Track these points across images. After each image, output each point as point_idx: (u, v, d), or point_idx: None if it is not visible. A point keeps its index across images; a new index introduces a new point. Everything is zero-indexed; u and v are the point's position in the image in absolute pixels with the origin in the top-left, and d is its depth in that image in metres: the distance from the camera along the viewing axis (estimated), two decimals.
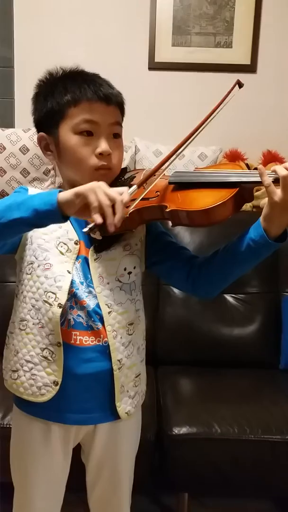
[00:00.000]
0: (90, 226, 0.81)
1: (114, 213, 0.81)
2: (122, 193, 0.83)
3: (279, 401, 1.62)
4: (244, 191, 0.90)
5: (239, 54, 2.32)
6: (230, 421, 1.49)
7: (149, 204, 0.93)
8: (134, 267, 1.03)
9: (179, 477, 1.50)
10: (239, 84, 0.98)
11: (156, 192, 0.94)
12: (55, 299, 0.97)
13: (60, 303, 0.97)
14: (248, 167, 2.18)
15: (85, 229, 0.82)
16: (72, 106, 0.97)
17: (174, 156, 0.94)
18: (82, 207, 0.82)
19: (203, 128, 0.95)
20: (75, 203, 0.82)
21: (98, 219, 0.80)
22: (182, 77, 2.34)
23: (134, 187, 0.88)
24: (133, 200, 0.89)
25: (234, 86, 0.98)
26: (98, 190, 0.81)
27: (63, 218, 0.84)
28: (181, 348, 1.91)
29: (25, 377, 1.01)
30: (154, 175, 0.93)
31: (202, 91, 2.33)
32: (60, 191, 0.83)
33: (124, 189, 0.85)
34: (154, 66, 2.33)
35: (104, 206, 0.80)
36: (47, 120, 1.01)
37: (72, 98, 0.97)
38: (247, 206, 2.04)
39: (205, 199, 0.88)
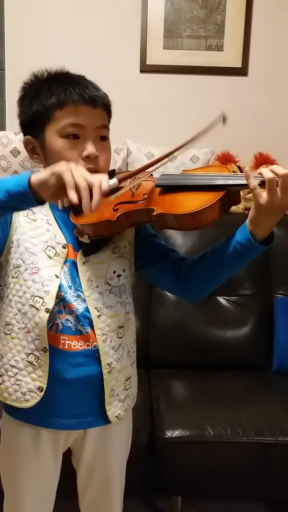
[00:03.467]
0: (64, 204, 0.78)
1: (91, 197, 0.78)
2: (101, 180, 0.81)
3: (272, 403, 1.62)
4: (231, 193, 0.90)
5: (230, 57, 2.33)
6: (223, 424, 1.49)
7: (136, 207, 0.93)
8: (124, 270, 1.03)
9: (172, 480, 1.49)
10: (224, 118, 0.96)
11: (144, 195, 0.94)
12: (42, 304, 0.96)
13: (47, 308, 0.96)
14: (240, 169, 2.19)
15: (60, 206, 0.79)
16: (57, 109, 0.96)
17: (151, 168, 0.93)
18: (57, 189, 0.80)
19: (181, 151, 0.92)
20: (50, 183, 0.79)
21: (73, 197, 0.77)
22: (174, 80, 2.34)
23: (115, 179, 0.86)
24: (112, 193, 0.86)
25: (220, 117, 0.96)
26: (75, 171, 0.79)
27: (38, 202, 0.81)
28: (173, 350, 1.91)
29: (10, 382, 1.00)
30: (138, 176, 0.92)
31: (193, 94, 2.34)
32: (33, 172, 0.81)
33: (103, 176, 0.82)
34: (146, 69, 2.33)
35: (80, 187, 0.78)
36: (32, 123, 0.99)
37: (58, 101, 0.96)
38: (239, 208, 2.04)
39: (191, 202, 0.87)
